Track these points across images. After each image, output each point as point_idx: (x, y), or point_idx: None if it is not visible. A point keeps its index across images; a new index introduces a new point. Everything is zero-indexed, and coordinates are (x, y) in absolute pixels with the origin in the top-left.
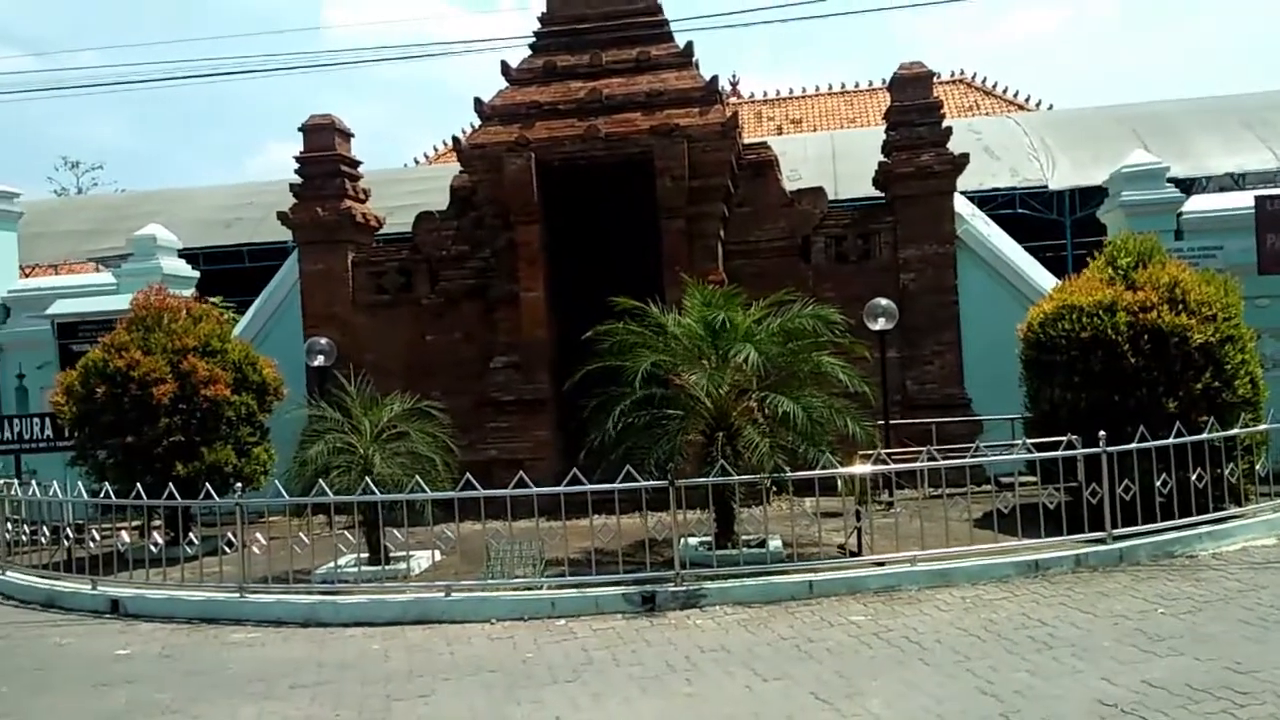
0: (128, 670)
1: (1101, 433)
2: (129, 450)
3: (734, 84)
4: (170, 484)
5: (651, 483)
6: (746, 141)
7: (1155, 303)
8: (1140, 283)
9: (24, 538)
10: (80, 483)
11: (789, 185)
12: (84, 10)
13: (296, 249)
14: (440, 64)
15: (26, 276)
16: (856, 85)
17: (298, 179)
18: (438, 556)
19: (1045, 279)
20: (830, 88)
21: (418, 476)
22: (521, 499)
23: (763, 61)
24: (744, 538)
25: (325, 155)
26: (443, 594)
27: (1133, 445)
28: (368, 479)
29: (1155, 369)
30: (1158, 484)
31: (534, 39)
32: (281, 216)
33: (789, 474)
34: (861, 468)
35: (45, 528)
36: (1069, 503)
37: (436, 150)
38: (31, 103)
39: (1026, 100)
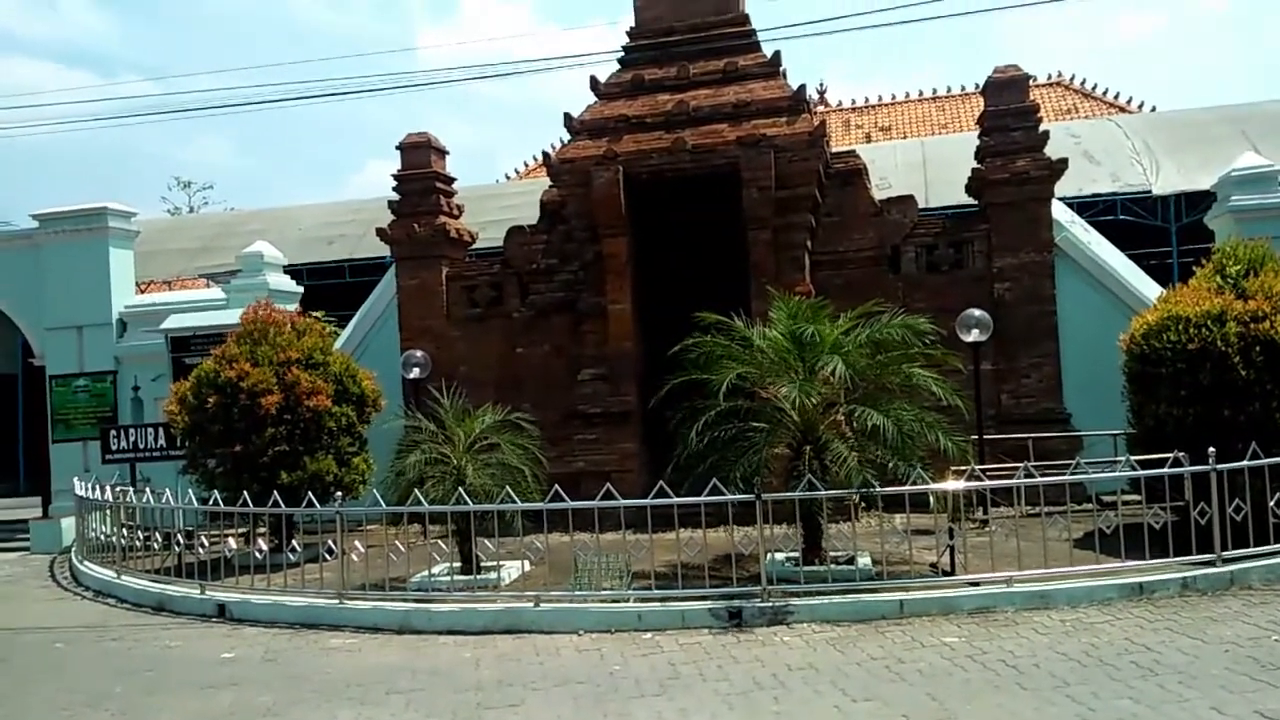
0: (232, 673)
1: (1210, 449)
2: (237, 459)
3: (821, 92)
4: (275, 492)
5: (738, 496)
6: (834, 150)
7: (1268, 312)
8: (1251, 291)
9: (138, 543)
10: (191, 490)
11: (878, 194)
12: (195, 38)
13: (394, 264)
14: (533, 81)
15: (142, 292)
16: (948, 90)
17: (395, 196)
18: (527, 567)
19: (1149, 288)
20: (921, 93)
21: (508, 487)
22: (608, 511)
23: (852, 69)
24: (832, 554)
25: (421, 173)
26: (532, 604)
27: (1244, 463)
28: (460, 489)
29: (1269, 382)
30: (1271, 504)
31: (622, 53)
32: (379, 233)
33: (878, 489)
34: (954, 484)
35: (158, 534)
36: (1175, 523)
37: (527, 165)
38: (147, 126)
39: (1128, 102)
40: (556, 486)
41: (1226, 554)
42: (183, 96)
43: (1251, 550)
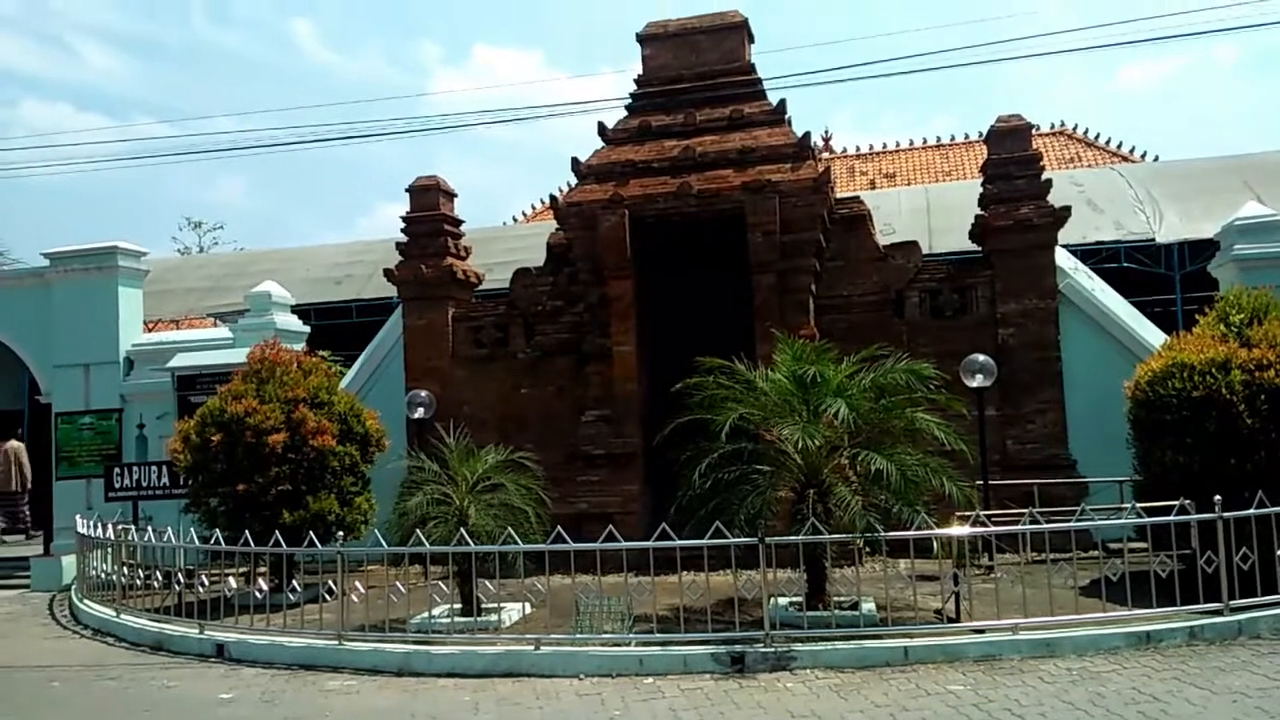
0: (230, 714)
1: (1217, 497)
2: (240, 498)
3: (826, 139)
4: (276, 531)
5: (741, 539)
6: (839, 196)
7: (1273, 360)
8: (1255, 340)
9: (138, 582)
10: (193, 529)
11: (882, 239)
12: (208, 82)
13: (400, 305)
14: (542, 126)
15: (150, 331)
16: (952, 139)
17: (403, 238)
18: (528, 609)
19: (1153, 335)
20: (925, 141)
21: (510, 528)
22: (611, 553)
23: (857, 117)
24: (836, 599)
25: (430, 215)
26: (532, 647)
27: (1251, 511)
28: (463, 530)
29: (1274, 430)
30: (1278, 553)
31: (630, 100)
32: (387, 274)
33: (883, 534)
34: (959, 529)
35: (158, 572)
36: (1182, 571)
37: (534, 208)
38: (161, 167)
39: (1131, 152)
40: (559, 528)
41: (1234, 603)
42: (196, 139)
43: (1259, 600)
